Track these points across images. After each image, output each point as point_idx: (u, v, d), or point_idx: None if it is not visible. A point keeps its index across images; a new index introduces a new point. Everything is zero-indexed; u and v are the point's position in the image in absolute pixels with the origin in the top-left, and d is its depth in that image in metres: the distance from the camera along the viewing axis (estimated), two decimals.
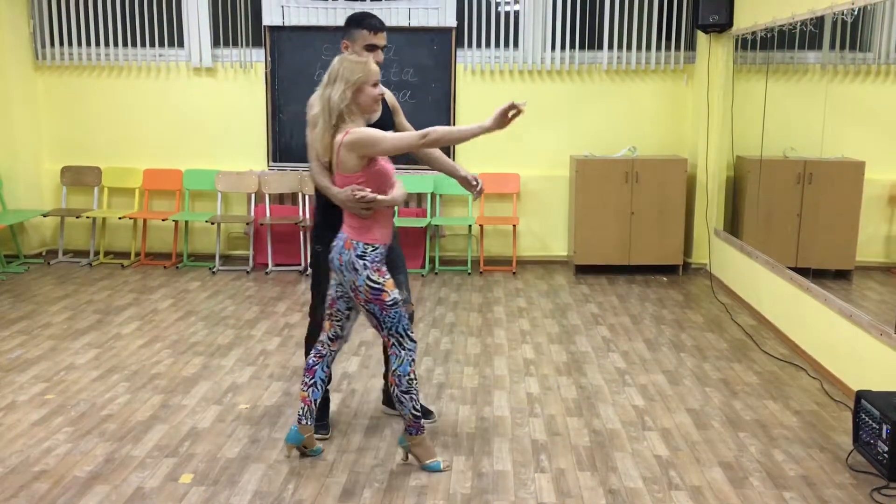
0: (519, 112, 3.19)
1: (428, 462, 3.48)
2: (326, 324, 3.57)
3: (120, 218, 7.25)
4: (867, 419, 3.52)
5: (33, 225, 7.51)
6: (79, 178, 7.46)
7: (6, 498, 3.19)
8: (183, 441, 3.72)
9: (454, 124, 7.24)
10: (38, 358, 4.79)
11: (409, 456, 3.53)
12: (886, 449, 3.36)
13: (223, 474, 3.41)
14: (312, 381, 3.54)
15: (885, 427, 3.37)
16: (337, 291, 3.49)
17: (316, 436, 3.63)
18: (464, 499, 3.24)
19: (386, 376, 4.00)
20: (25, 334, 5.22)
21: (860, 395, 3.60)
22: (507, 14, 7.17)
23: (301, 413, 3.52)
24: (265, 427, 3.88)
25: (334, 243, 3.41)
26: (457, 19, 7.13)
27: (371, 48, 3.58)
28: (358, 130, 3.26)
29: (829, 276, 4.84)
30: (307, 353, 3.68)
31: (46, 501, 3.17)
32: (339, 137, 3.28)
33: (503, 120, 3.23)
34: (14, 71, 7.20)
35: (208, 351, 4.95)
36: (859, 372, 4.20)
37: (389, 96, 3.78)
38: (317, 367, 3.56)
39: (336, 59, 3.34)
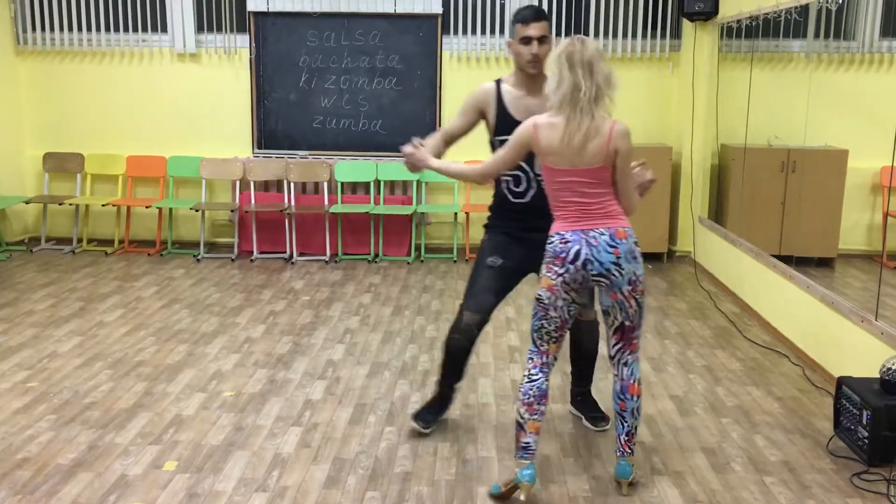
0: None
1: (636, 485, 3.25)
2: (554, 346, 3.16)
3: (103, 205, 7.20)
4: (848, 405, 3.56)
5: (15, 212, 7.44)
6: (61, 164, 7.40)
7: None
8: (167, 428, 3.71)
9: (439, 112, 7.23)
10: (21, 346, 4.76)
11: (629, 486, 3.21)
12: (866, 434, 3.39)
13: (207, 461, 3.41)
14: (546, 407, 3.17)
15: (865, 413, 3.40)
16: (572, 309, 3.12)
17: (419, 425, 3.64)
18: (448, 485, 3.25)
19: (578, 378, 3.87)
20: (8, 322, 5.18)
21: (841, 382, 3.64)
22: (493, 1, 7.14)
23: (536, 446, 3.13)
24: (250, 414, 3.87)
25: (582, 243, 3.02)
26: (442, 6, 7.10)
27: (525, 41, 3.38)
28: (626, 128, 3.05)
29: (812, 264, 4.88)
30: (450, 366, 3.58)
31: (29, 489, 3.16)
32: (606, 126, 2.99)
33: None
34: None
35: (193, 338, 4.93)
36: (840, 358, 4.24)
37: None
38: (545, 394, 3.15)
39: (593, 45, 3.00)
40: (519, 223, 3.52)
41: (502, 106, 3.48)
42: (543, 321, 3.11)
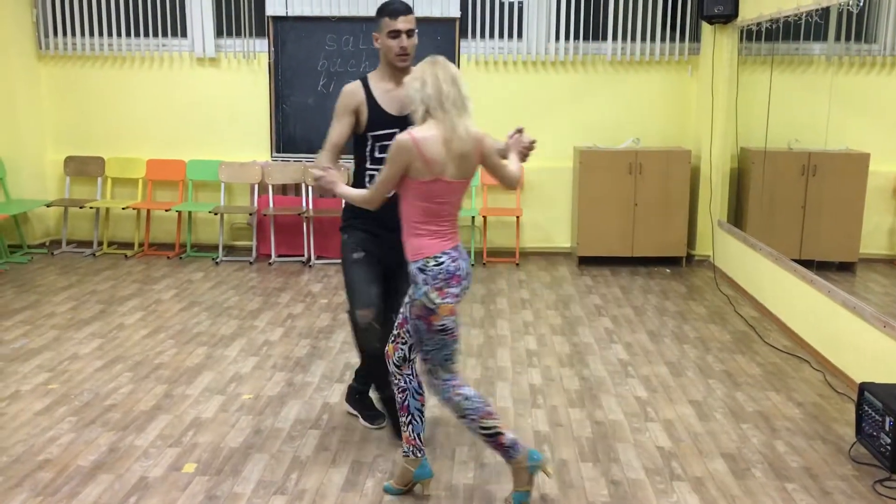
0: None
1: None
2: (390, 347, 3.20)
3: (123, 208, 7.26)
4: (870, 411, 3.52)
5: (37, 215, 7.51)
6: (82, 168, 7.47)
7: (10, 487, 3.20)
8: (186, 431, 3.72)
9: None
10: (42, 348, 4.80)
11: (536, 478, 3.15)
12: (889, 441, 3.36)
13: (226, 464, 3.42)
14: (409, 417, 3.16)
15: (888, 419, 3.37)
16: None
17: (370, 425, 3.67)
18: (466, 489, 3.25)
19: (366, 377, 3.82)
20: (29, 324, 5.23)
21: (863, 388, 3.60)
22: (511, 4, 7.14)
23: (408, 452, 3.18)
24: (268, 417, 3.88)
25: (461, 256, 3.04)
26: (460, 10, 7.10)
27: (394, 34, 3.39)
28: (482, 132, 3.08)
29: (832, 269, 4.83)
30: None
31: (50, 490, 3.18)
32: (473, 133, 3.00)
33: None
34: (17, 61, 7.20)
35: (211, 341, 4.96)
36: (862, 364, 4.19)
37: None
38: (408, 401, 3.18)
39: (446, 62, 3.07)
40: (376, 221, 3.45)
41: (373, 101, 3.46)
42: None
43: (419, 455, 3.17)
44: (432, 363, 3.06)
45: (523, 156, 3.34)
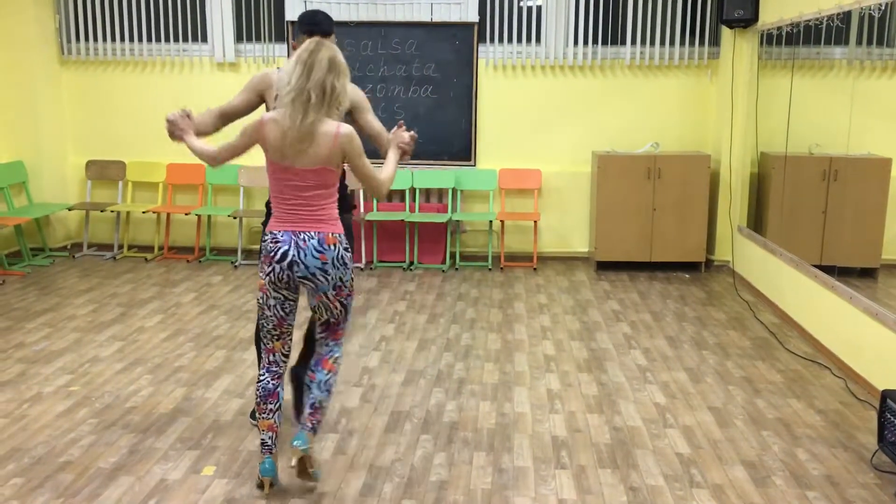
0: None
1: (316, 469, 3.26)
2: (277, 344, 3.20)
3: (144, 212, 7.31)
4: (892, 419, 3.48)
5: (58, 218, 7.59)
6: (103, 172, 7.53)
7: (32, 488, 3.23)
8: (205, 434, 3.74)
9: (475, 120, 7.24)
10: (63, 350, 4.84)
11: (302, 462, 3.15)
12: None
13: (245, 467, 3.43)
14: (278, 405, 3.22)
15: None
16: (287, 306, 3.16)
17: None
18: (484, 494, 3.24)
19: (300, 371, 3.65)
20: (50, 326, 5.28)
21: (886, 395, 3.56)
22: (530, 9, 7.14)
23: (271, 442, 3.20)
24: (286, 421, 3.89)
25: (291, 244, 3.05)
26: (479, 14, 7.11)
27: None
28: (352, 130, 3.07)
29: (854, 274, 4.79)
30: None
31: (71, 492, 3.21)
32: (330, 129, 3.01)
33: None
34: (40, 66, 7.28)
35: (230, 344, 4.98)
36: (885, 371, 4.15)
37: (354, 91, 3.53)
38: (279, 389, 3.23)
39: (332, 49, 3.05)
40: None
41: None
42: (262, 320, 3.19)
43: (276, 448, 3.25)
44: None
45: (403, 151, 3.30)
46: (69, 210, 7.44)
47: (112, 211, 7.30)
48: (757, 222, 6.41)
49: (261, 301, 3.16)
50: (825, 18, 5.16)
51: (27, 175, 7.27)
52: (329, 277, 3.10)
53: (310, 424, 3.18)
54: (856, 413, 4.06)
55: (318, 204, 3.08)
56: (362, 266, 7.04)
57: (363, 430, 3.82)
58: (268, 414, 3.20)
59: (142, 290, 6.22)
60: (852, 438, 3.77)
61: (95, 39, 7.41)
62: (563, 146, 7.30)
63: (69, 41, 7.43)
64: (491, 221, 7.19)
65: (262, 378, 3.22)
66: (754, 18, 6.45)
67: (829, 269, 4.94)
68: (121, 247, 7.47)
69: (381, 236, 7.20)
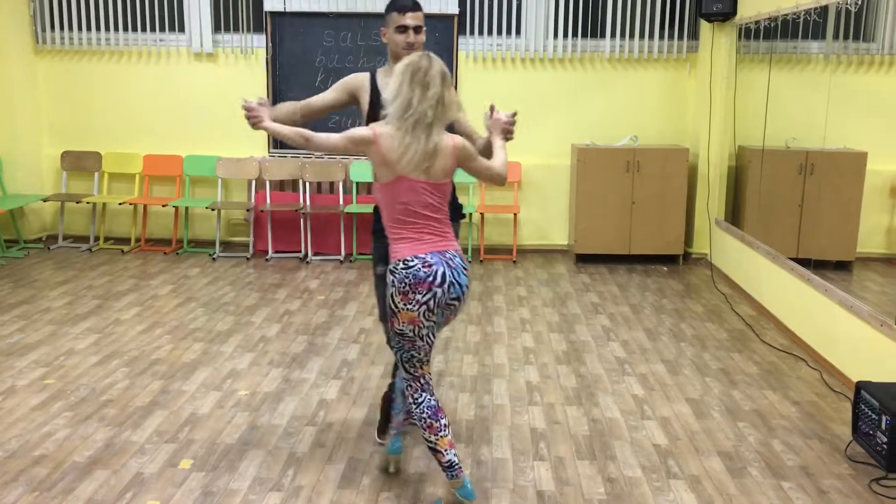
0: None
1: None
2: (427, 367, 3.05)
3: (120, 203, 7.24)
4: (867, 410, 3.52)
5: (33, 210, 7.49)
6: (79, 163, 7.45)
7: (6, 482, 3.19)
8: (182, 427, 3.72)
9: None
10: (38, 343, 4.79)
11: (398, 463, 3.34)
12: (885, 440, 3.36)
13: (222, 460, 3.42)
14: (447, 419, 3.08)
15: (884, 418, 3.37)
16: (435, 330, 3.01)
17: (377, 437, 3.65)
18: None
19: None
20: (25, 319, 5.22)
21: (860, 386, 3.60)
22: (510, 1, 7.13)
23: (458, 459, 2.99)
24: (264, 413, 3.88)
25: (443, 265, 2.92)
26: (459, 6, 7.09)
27: (401, 30, 3.37)
28: (462, 139, 3.00)
29: (829, 267, 4.83)
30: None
31: (46, 486, 3.17)
32: (448, 142, 2.93)
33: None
34: (14, 55, 7.18)
35: (208, 337, 4.95)
36: (859, 363, 4.20)
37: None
38: (438, 409, 3.04)
39: (439, 61, 2.96)
40: None
41: (377, 93, 3.41)
42: (412, 352, 2.99)
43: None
44: (398, 358, 3.06)
45: (507, 133, 3.18)
46: (44, 201, 7.35)
47: (88, 202, 7.22)
48: (734, 215, 6.45)
49: (412, 334, 2.94)
50: (802, 13, 5.19)
51: (1, 166, 7.17)
52: (468, 293, 3.05)
53: (403, 428, 3.38)
54: (830, 404, 4.10)
55: (444, 220, 2.99)
56: (342, 259, 7.01)
57: (342, 422, 3.81)
58: (445, 430, 2.98)
59: (118, 282, 6.16)
60: (827, 429, 3.81)
61: (71, 29, 7.31)
62: (542, 139, 7.30)
63: (44, 30, 7.33)
64: (471, 214, 7.18)
65: (421, 401, 3.01)
66: (733, 12, 6.49)
67: (805, 262, 4.99)
68: (97, 239, 7.40)
69: (361, 228, 7.18)
